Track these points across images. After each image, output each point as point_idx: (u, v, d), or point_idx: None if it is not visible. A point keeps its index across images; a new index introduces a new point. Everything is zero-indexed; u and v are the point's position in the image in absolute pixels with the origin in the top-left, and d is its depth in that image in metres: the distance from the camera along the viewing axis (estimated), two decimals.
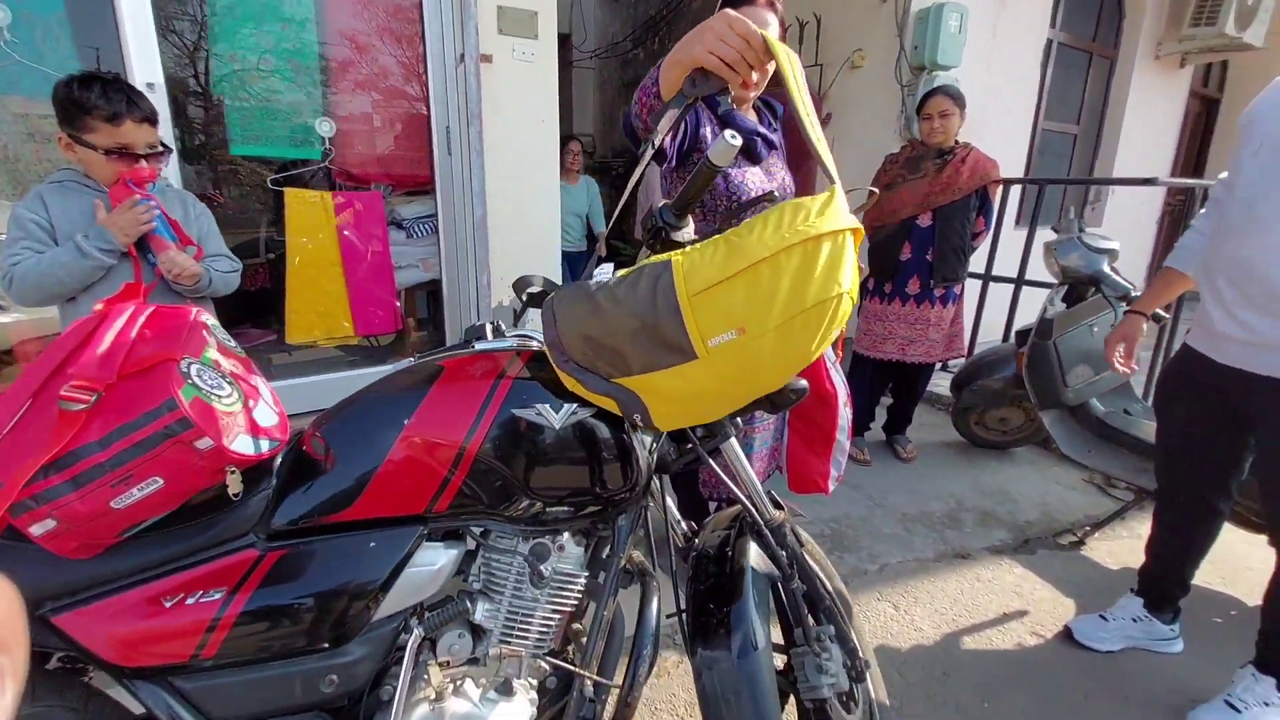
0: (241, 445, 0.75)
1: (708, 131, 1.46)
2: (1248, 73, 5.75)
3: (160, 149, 1.46)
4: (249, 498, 0.83)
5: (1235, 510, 1.98)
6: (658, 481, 1.16)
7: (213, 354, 0.80)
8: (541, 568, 0.95)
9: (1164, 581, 1.75)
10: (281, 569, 0.83)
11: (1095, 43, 4.59)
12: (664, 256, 0.82)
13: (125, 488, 0.68)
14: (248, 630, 0.81)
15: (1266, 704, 1.46)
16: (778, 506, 1.18)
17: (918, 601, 1.96)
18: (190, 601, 0.81)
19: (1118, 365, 1.75)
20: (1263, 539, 1.92)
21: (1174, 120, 5.27)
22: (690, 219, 0.98)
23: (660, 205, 0.95)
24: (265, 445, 0.80)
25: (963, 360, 3.01)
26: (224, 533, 0.83)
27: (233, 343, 0.93)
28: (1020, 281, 3.19)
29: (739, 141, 0.84)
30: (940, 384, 3.33)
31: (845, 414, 1.81)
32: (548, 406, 0.89)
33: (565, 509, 0.95)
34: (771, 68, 1.49)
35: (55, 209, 1.40)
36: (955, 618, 1.90)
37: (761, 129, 1.56)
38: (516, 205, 2.58)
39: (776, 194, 1.06)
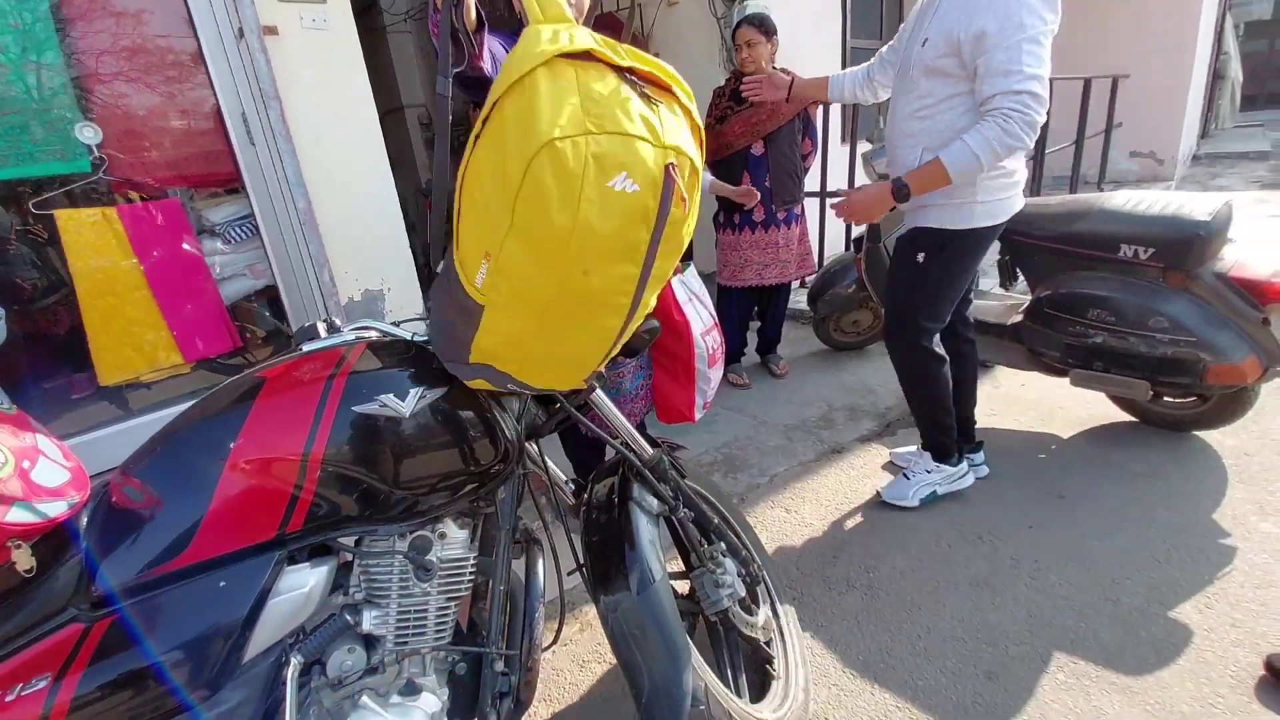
0: (16, 516, 0.65)
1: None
2: None
3: None
4: (56, 569, 0.73)
5: (1041, 360, 2.31)
6: (535, 446, 1.15)
7: None
8: (426, 561, 0.92)
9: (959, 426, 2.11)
10: (115, 637, 0.74)
11: None
12: None
13: None
14: (91, 713, 0.73)
15: (928, 471, 2.02)
16: (655, 444, 1.23)
17: (805, 500, 2.14)
18: (10, 698, 0.71)
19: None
20: (1063, 383, 2.27)
21: None
22: None
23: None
24: (54, 509, 0.70)
25: (815, 275, 3.22)
26: (35, 614, 0.73)
27: (3, 399, 0.79)
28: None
29: None
30: (799, 300, 3.56)
31: (704, 343, 1.89)
32: (391, 396, 0.85)
33: (440, 495, 0.92)
34: (578, 4, 1.47)
35: None
36: (838, 507, 2.10)
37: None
38: (345, 191, 2.38)
39: None
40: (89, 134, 2.06)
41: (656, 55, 3.66)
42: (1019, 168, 1.74)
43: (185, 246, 2.27)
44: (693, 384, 1.83)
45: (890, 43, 1.91)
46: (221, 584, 0.80)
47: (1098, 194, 2.35)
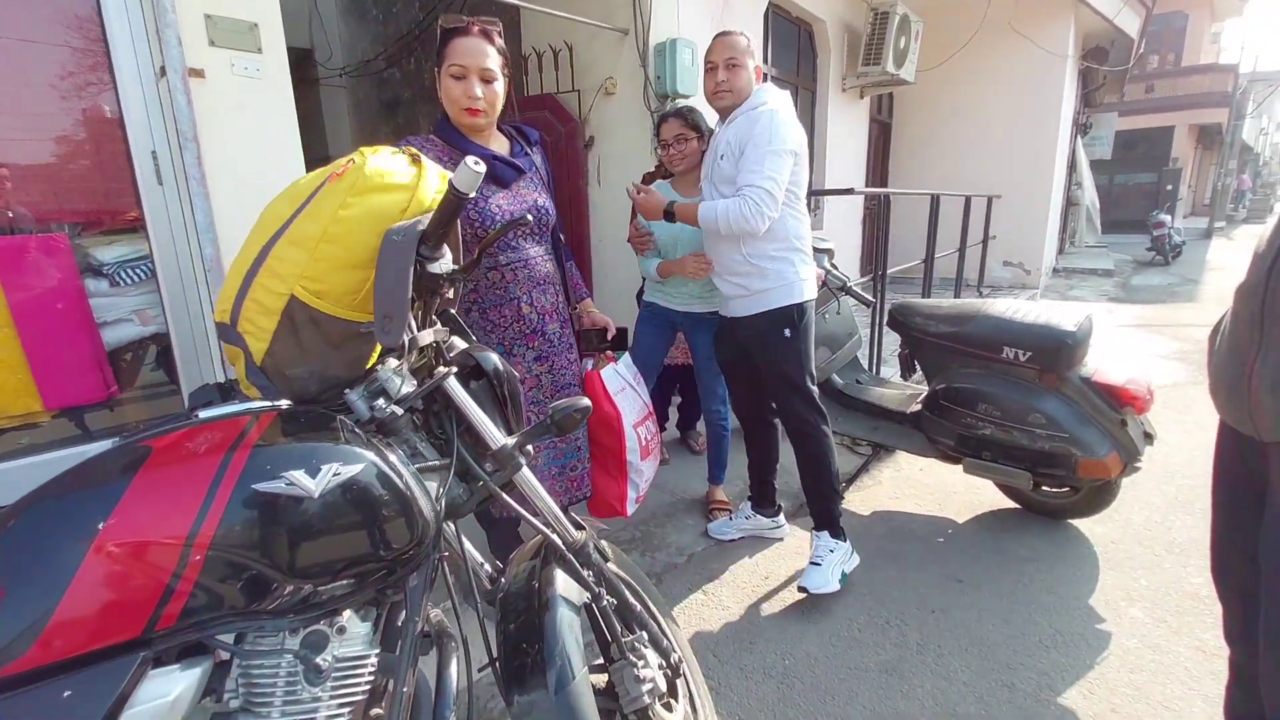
0: None
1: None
2: (908, 101, 7.34)
3: None
4: None
5: (937, 447, 2.48)
6: (451, 526, 1.09)
7: None
8: (319, 660, 0.82)
9: (754, 484, 2.37)
10: None
11: (800, 77, 5.48)
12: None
13: None
14: None
15: (831, 550, 2.05)
16: (579, 527, 1.19)
17: (723, 583, 2.13)
18: None
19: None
20: (956, 470, 2.44)
21: (862, 141, 6.50)
22: (447, 249, 0.94)
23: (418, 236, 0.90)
24: None
25: None
26: None
27: None
28: None
29: (483, 168, 0.82)
30: None
31: (636, 434, 1.89)
32: (301, 473, 0.78)
33: (344, 584, 0.83)
34: (500, 89, 1.52)
35: None
36: (754, 589, 2.10)
37: (502, 155, 1.59)
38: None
39: (529, 217, 1.06)
40: None
41: (592, 139, 3.80)
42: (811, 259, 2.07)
43: (64, 285, 2.05)
44: (624, 476, 1.81)
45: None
46: (66, 694, 0.68)
47: (983, 300, 2.63)
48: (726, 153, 1.92)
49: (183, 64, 2.01)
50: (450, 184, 0.82)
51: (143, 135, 2.11)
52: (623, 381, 1.98)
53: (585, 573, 1.13)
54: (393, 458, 0.91)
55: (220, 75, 2.09)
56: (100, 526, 0.69)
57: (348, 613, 0.87)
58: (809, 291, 2.01)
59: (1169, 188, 16.20)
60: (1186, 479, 2.78)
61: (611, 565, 1.24)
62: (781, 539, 2.38)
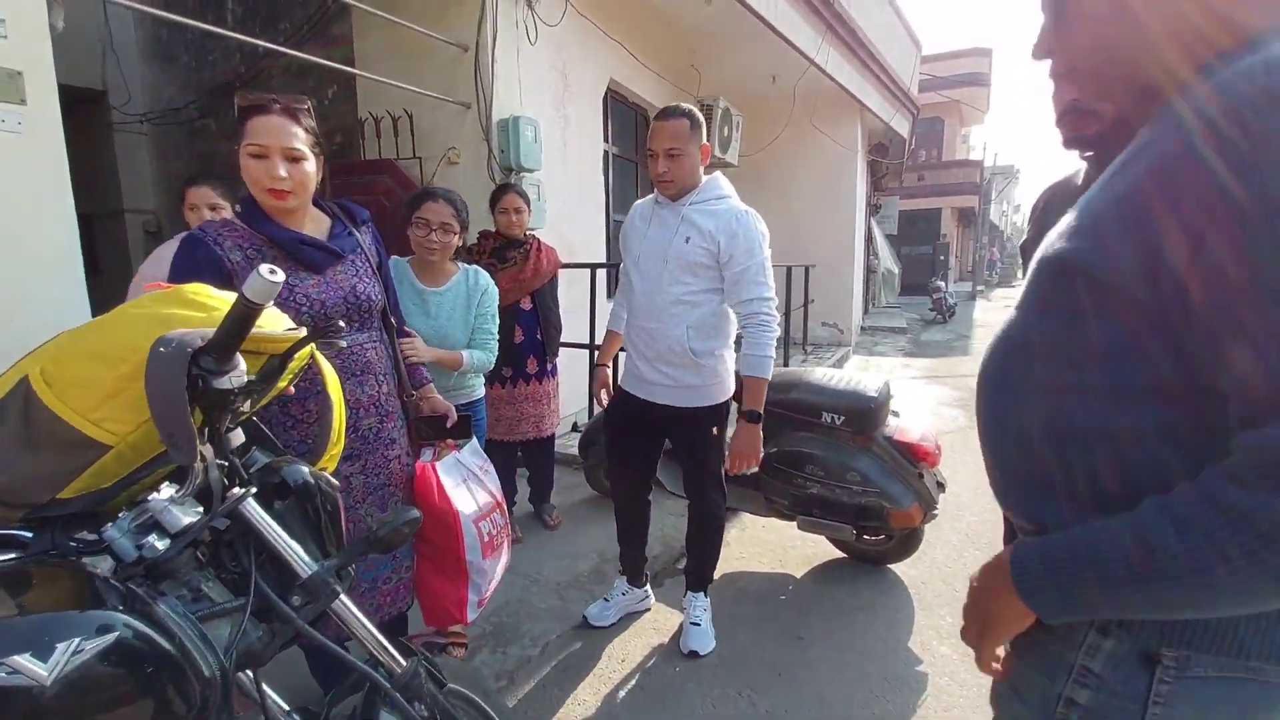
0: None
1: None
2: (736, 181, 8.11)
3: None
4: None
5: (774, 506, 2.65)
6: (248, 675, 0.93)
7: None
8: None
9: (630, 559, 2.36)
10: None
11: (637, 154, 5.87)
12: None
13: None
14: None
15: (705, 609, 2.21)
16: (408, 652, 1.08)
17: (578, 672, 2.04)
18: None
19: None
20: (793, 525, 2.62)
21: None
22: (241, 360, 0.84)
23: (193, 349, 0.79)
24: None
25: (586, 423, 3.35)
26: None
27: None
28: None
29: (280, 277, 0.75)
30: (570, 445, 3.65)
31: (476, 530, 1.75)
32: (26, 657, 0.63)
33: None
34: (310, 169, 1.43)
35: None
36: (609, 674, 2.04)
37: (313, 239, 1.44)
38: (30, 309, 1.86)
39: (340, 322, 0.99)
40: None
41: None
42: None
43: None
44: (464, 579, 1.66)
45: (625, 263, 2.19)
46: None
47: (805, 369, 2.91)
48: (694, 239, 1.93)
49: None
50: (241, 293, 0.74)
51: None
52: (465, 471, 1.86)
53: (416, 708, 1.02)
54: (160, 611, 0.76)
55: None
56: None
57: None
58: (732, 386, 2.10)
59: (941, 258, 19.49)
60: (974, 515, 3.23)
61: (450, 688, 1.13)
62: (649, 608, 2.40)
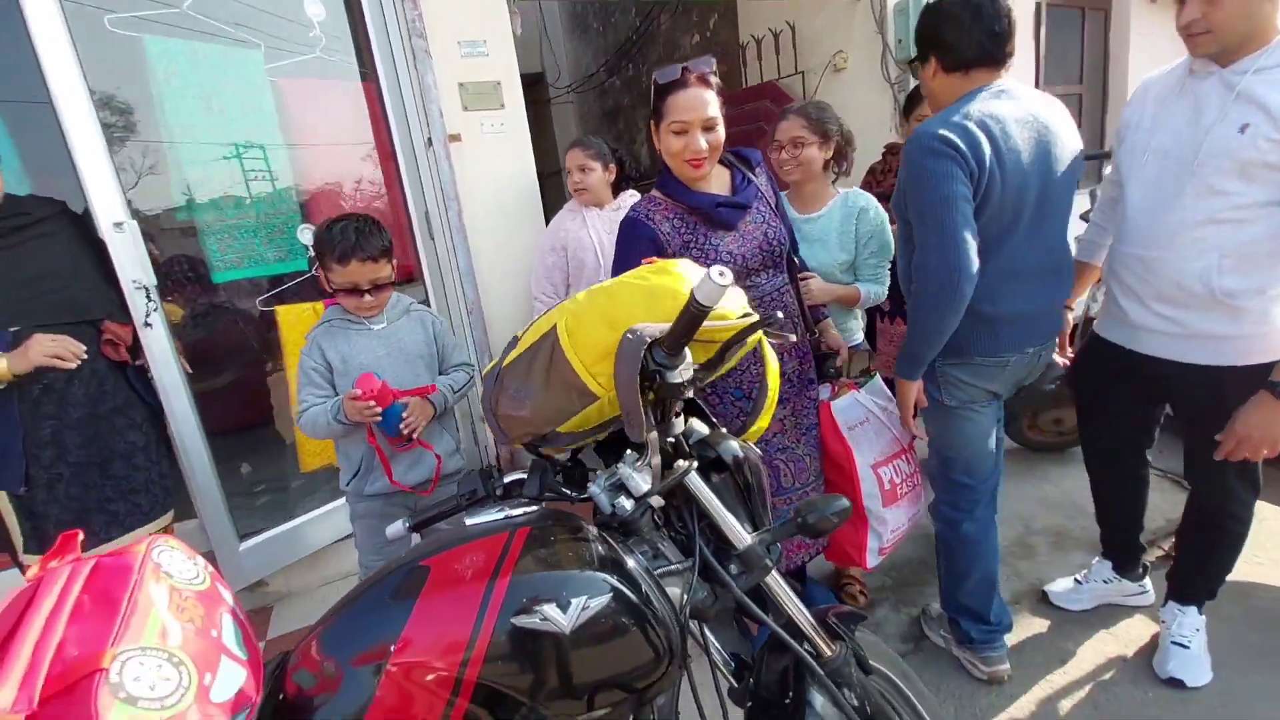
0: None
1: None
2: None
3: (387, 282, 1.59)
4: None
5: None
6: (695, 625, 1.02)
7: (158, 622, 0.69)
8: None
9: (1121, 545, 1.86)
10: None
11: None
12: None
13: None
14: None
15: (1197, 629, 1.63)
16: (835, 636, 1.04)
17: (1023, 665, 1.75)
18: None
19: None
20: None
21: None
22: (688, 354, 0.86)
23: (650, 341, 0.83)
24: None
25: None
26: None
27: (195, 570, 0.82)
28: None
29: (728, 279, 0.71)
30: None
31: (875, 477, 1.65)
32: (553, 608, 0.76)
33: (595, 713, 0.81)
34: (721, 131, 1.39)
35: (330, 351, 1.57)
36: (1049, 676, 1.71)
37: (724, 198, 1.46)
38: (508, 283, 2.48)
39: (780, 314, 0.92)
40: (308, 236, 2.32)
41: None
42: None
43: None
44: (864, 523, 1.60)
45: (1109, 174, 1.65)
46: None
47: None
48: (1259, 125, 1.25)
49: (444, 131, 2.26)
50: (691, 295, 0.73)
51: (417, 198, 2.44)
52: (864, 412, 1.74)
53: (844, 693, 0.98)
54: (634, 566, 0.86)
55: (472, 137, 2.32)
56: (392, 646, 0.75)
57: None
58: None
59: None
60: None
61: (874, 674, 1.07)
62: (1148, 604, 1.88)
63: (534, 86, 7.37)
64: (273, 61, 2.15)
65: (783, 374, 1.60)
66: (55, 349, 1.60)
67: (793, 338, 1.34)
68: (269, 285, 2.31)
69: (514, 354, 0.99)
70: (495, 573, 0.79)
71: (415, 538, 1.07)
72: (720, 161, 1.54)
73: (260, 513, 2.31)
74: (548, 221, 2.45)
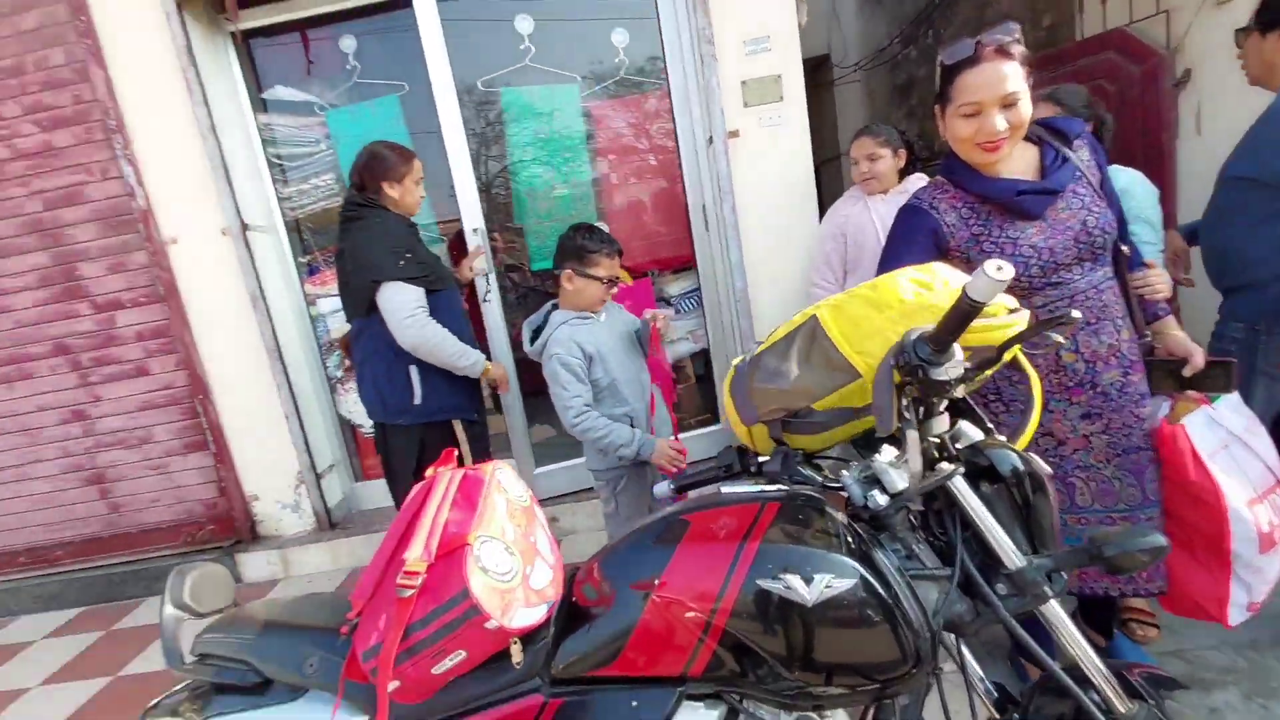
0: (520, 619, 0.85)
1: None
2: None
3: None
4: (531, 646, 0.94)
5: None
6: (951, 637, 0.97)
7: (500, 521, 0.94)
8: None
9: None
10: (562, 719, 0.91)
11: None
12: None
13: (441, 658, 0.82)
14: None
15: None
16: (1134, 694, 0.88)
17: None
18: None
19: None
20: None
21: None
22: (958, 350, 0.81)
23: (913, 338, 0.81)
24: (539, 613, 0.89)
25: None
26: (515, 677, 0.95)
27: (521, 490, 1.07)
28: None
29: (1007, 273, 0.66)
30: None
31: (1250, 516, 1.29)
32: (797, 579, 0.81)
33: (831, 690, 0.84)
34: (1025, 104, 1.20)
35: (586, 345, 1.73)
36: None
37: (1027, 183, 1.26)
38: (778, 277, 2.51)
39: (1074, 313, 0.81)
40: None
41: (1187, 72, 2.76)
42: None
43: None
44: (1226, 572, 1.27)
45: None
46: (634, 703, 0.90)
47: None
48: None
49: (724, 128, 2.39)
50: (964, 290, 0.70)
51: (696, 193, 2.64)
52: (1225, 435, 1.37)
53: None
54: (884, 561, 0.86)
55: (750, 131, 2.41)
56: (656, 582, 0.89)
57: (840, 713, 0.88)
58: None
59: None
60: None
61: None
62: None
63: (818, 70, 7.17)
64: (586, 89, 2.61)
65: (1097, 385, 1.36)
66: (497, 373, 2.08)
67: (1061, 340, 1.16)
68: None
69: (771, 339, 1.06)
70: (746, 536, 0.87)
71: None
72: (1026, 138, 1.36)
73: (547, 450, 2.82)
74: (822, 213, 2.42)
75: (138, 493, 2.77)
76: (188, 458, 2.74)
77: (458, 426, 2.02)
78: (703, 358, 2.93)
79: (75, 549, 2.82)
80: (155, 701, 1.10)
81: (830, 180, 7.29)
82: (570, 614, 0.99)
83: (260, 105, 2.66)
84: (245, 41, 2.60)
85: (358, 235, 1.87)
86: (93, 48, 2.40)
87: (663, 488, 1.21)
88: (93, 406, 2.70)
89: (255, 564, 2.69)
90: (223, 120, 2.48)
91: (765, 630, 0.83)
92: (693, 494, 1.16)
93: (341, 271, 1.96)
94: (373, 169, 1.89)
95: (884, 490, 0.92)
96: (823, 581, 0.81)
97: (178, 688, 1.11)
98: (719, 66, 2.33)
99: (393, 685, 0.83)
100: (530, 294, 2.89)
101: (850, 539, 0.88)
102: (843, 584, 0.81)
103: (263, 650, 1.01)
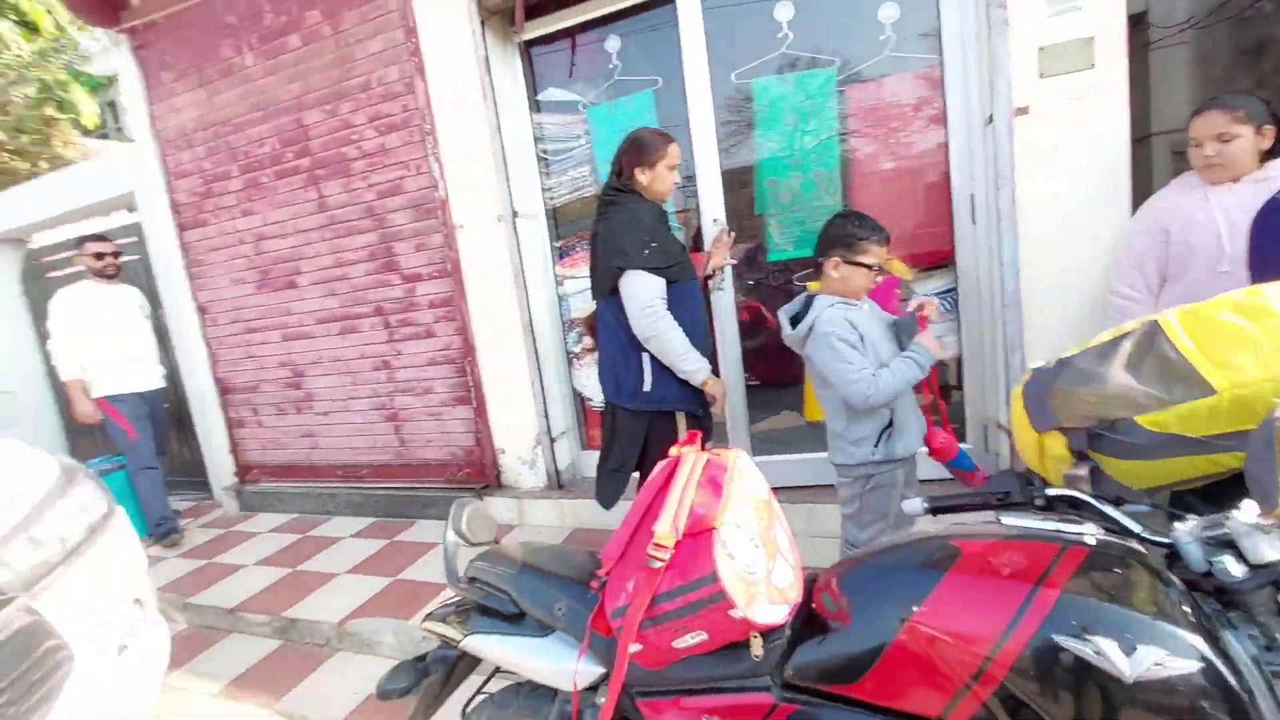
0: (763, 615, 0.82)
1: None
2: None
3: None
4: (766, 644, 0.91)
5: None
6: None
7: (744, 511, 0.92)
8: None
9: None
10: None
11: None
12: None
13: (682, 633, 0.83)
14: None
15: None
16: None
17: None
18: None
19: None
20: None
21: None
22: None
23: None
24: (781, 612, 0.85)
25: None
26: (747, 669, 0.93)
27: (760, 483, 1.04)
28: None
29: None
30: None
31: None
32: (1113, 645, 0.66)
33: None
34: None
35: (860, 326, 1.67)
36: None
37: None
38: (1063, 278, 2.12)
39: None
40: None
41: None
42: None
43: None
44: None
45: None
46: None
47: None
48: None
49: (1010, 106, 2.07)
50: None
51: (964, 179, 2.33)
52: None
53: None
54: (1235, 647, 0.67)
55: (1043, 107, 2.05)
56: (915, 609, 0.79)
57: None
58: None
59: None
60: None
61: None
62: None
63: (1131, 32, 5.90)
64: (843, 72, 2.44)
65: None
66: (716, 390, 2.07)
67: None
68: (802, 265, 2.66)
69: (1088, 344, 0.92)
70: (1040, 581, 0.73)
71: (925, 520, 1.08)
72: None
73: (766, 441, 2.77)
74: (1134, 206, 1.97)
75: (419, 433, 3.35)
76: (455, 409, 3.23)
77: (680, 419, 2.06)
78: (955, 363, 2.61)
79: (374, 470, 3.53)
80: (431, 609, 1.30)
81: (1141, 166, 5.97)
82: (808, 619, 0.94)
83: (535, 106, 3.00)
84: (527, 50, 2.94)
85: (612, 220, 2.00)
86: (419, 65, 2.91)
87: (915, 504, 1.09)
88: (395, 359, 3.33)
89: (497, 509, 3.09)
90: (506, 121, 2.84)
91: (1055, 697, 0.69)
92: (950, 518, 1.03)
93: (593, 254, 2.11)
94: (631, 155, 1.99)
95: (1240, 558, 0.72)
96: (1150, 656, 0.65)
97: (449, 601, 1.30)
98: (1010, 32, 2.02)
99: (634, 648, 0.86)
100: (760, 285, 2.84)
101: (1187, 607, 0.70)
102: (1179, 665, 0.64)
103: (521, 586, 1.13)
